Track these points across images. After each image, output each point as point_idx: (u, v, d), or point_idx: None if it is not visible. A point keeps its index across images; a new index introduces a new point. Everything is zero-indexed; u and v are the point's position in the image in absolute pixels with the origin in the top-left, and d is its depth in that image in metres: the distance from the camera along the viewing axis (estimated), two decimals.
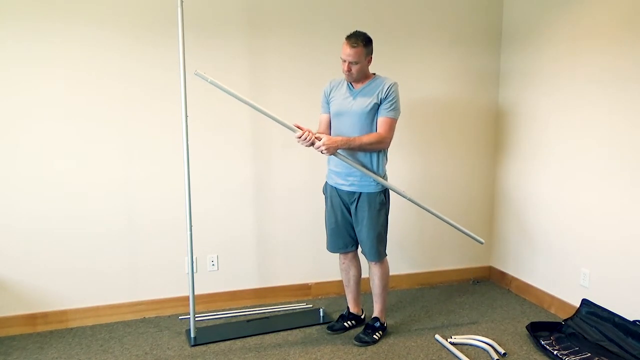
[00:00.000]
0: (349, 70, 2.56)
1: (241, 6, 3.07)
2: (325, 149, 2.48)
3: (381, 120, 2.60)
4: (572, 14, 2.97)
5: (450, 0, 3.47)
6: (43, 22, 2.74)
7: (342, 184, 2.69)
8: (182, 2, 2.53)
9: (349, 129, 2.62)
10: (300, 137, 2.47)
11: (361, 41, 2.51)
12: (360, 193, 2.67)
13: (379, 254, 2.74)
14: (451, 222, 2.83)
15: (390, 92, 2.59)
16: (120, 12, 2.86)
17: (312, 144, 2.48)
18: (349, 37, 2.54)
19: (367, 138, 2.57)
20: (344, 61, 2.55)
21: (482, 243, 3.00)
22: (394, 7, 3.36)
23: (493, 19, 3.59)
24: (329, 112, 2.73)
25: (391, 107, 2.60)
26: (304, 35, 3.21)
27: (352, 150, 2.58)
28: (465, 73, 3.59)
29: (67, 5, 2.77)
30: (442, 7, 3.46)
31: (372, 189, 2.66)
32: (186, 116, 2.62)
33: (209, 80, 2.40)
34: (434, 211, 2.78)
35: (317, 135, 2.53)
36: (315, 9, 3.21)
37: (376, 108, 2.61)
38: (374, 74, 2.70)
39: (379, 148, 2.62)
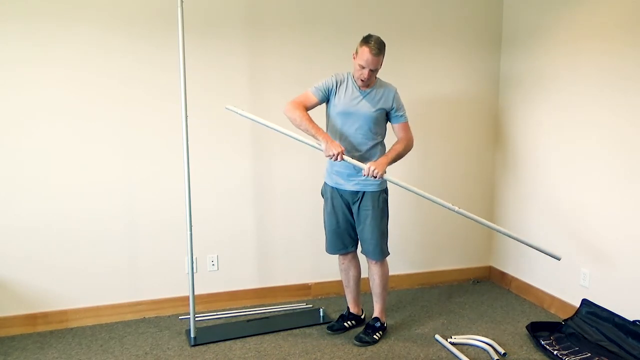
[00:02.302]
0: (369, 77, 2.55)
1: (241, 6, 3.07)
2: (379, 174, 2.49)
3: (400, 127, 2.72)
4: (572, 15, 2.98)
5: (450, 2, 3.47)
6: (43, 23, 2.74)
7: (345, 184, 2.69)
8: (182, 2, 2.53)
9: (356, 129, 2.63)
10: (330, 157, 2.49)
11: (382, 50, 2.51)
12: (364, 192, 2.67)
13: (382, 252, 2.75)
14: (525, 240, 2.68)
15: (398, 100, 2.70)
16: (120, 13, 2.86)
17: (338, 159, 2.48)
18: (369, 44, 2.48)
19: (401, 146, 2.67)
20: (363, 68, 2.52)
21: (559, 259, 2.67)
22: (394, 8, 3.36)
23: (493, 20, 3.59)
24: (319, 100, 2.66)
25: (403, 113, 2.72)
26: (304, 35, 3.21)
27: (393, 162, 2.63)
28: (466, 74, 3.59)
29: (67, 6, 2.77)
30: (443, 9, 3.46)
31: (375, 187, 2.67)
32: (186, 116, 2.62)
33: (238, 112, 2.55)
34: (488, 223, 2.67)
35: (370, 164, 2.51)
36: (316, 10, 3.21)
37: (383, 114, 2.67)
38: (376, 77, 2.70)
39: (409, 150, 2.72)
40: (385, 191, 2.73)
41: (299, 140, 2.57)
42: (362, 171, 2.53)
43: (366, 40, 2.51)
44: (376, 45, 2.48)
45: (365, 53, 2.48)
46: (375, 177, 2.51)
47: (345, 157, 2.49)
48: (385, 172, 2.56)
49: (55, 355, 2.63)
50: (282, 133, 2.57)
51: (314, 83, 2.69)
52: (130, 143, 2.98)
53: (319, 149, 2.53)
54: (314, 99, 2.65)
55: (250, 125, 3.17)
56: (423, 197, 2.60)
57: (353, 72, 2.62)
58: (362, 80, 2.58)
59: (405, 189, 2.59)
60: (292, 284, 3.40)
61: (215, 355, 2.62)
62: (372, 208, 2.67)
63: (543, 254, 3.25)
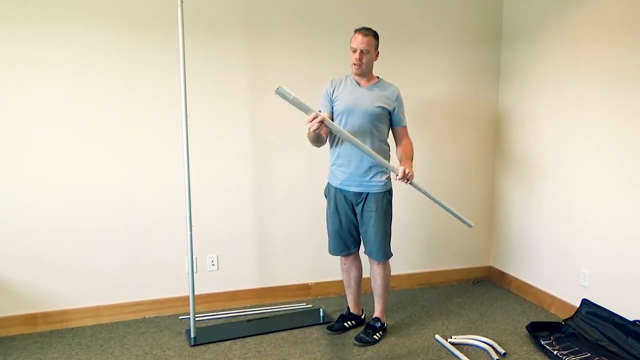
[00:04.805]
0: (360, 59, 2.57)
1: (241, 7, 3.07)
2: (412, 177, 2.50)
3: (403, 130, 2.75)
4: (573, 14, 2.98)
5: (450, 1, 3.47)
6: (43, 24, 2.74)
7: (349, 185, 2.69)
8: (182, 2, 2.53)
9: (358, 128, 2.61)
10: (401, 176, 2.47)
11: (371, 32, 2.58)
12: (367, 193, 2.67)
13: (385, 253, 2.75)
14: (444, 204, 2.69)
15: (401, 102, 2.71)
16: (120, 14, 2.86)
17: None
18: (359, 28, 2.58)
19: (410, 150, 2.70)
20: (355, 51, 2.57)
21: (470, 226, 2.82)
22: (394, 7, 3.36)
23: (493, 19, 3.59)
24: (330, 111, 2.69)
25: (404, 115, 2.75)
26: (304, 36, 3.21)
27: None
28: (465, 74, 3.59)
29: (67, 8, 2.77)
30: (442, 7, 3.46)
31: (379, 189, 2.66)
32: (186, 116, 2.62)
33: (290, 98, 2.16)
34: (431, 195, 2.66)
35: (407, 169, 2.49)
36: (316, 11, 3.21)
37: (386, 113, 2.66)
38: (378, 77, 2.71)
39: None
40: (389, 192, 2.73)
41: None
42: (397, 174, 2.48)
43: (357, 28, 2.61)
44: (365, 28, 2.58)
45: (355, 36, 2.58)
46: (409, 181, 2.50)
47: (327, 120, 2.31)
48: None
49: (55, 355, 2.63)
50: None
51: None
52: (130, 143, 2.98)
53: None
54: (325, 114, 2.63)
55: (251, 124, 3.17)
56: (442, 206, 2.61)
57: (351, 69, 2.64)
58: (355, 66, 2.59)
59: (428, 196, 2.57)
60: (292, 284, 3.40)
61: (215, 355, 2.62)
62: (375, 209, 2.66)
63: (539, 253, 3.25)
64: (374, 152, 2.47)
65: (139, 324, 3.01)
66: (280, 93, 2.13)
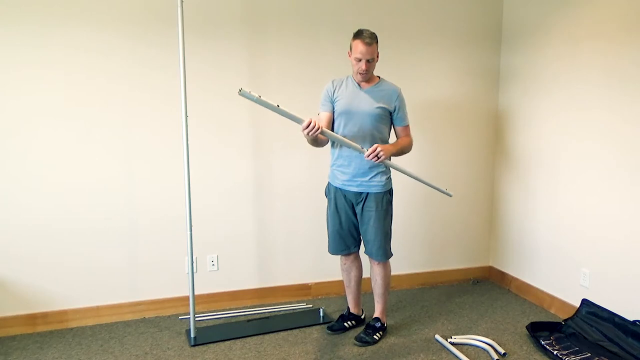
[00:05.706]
0: (367, 69, 2.55)
1: (241, 6, 3.07)
2: (383, 156, 2.46)
3: (403, 129, 2.74)
4: (573, 14, 2.98)
5: (450, 1, 3.47)
6: (43, 25, 2.74)
7: (350, 185, 2.69)
8: (182, 2, 2.53)
9: (358, 130, 2.62)
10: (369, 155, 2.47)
11: (373, 39, 2.54)
12: (368, 193, 2.67)
13: (386, 253, 2.75)
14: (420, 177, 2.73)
15: (402, 101, 2.70)
16: (120, 13, 2.86)
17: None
18: (360, 36, 2.52)
19: (405, 143, 2.71)
20: (359, 60, 2.53)
21: (450, 196, 2.86)
22: (393, 8, 3.36)
23: (493, 20, 3.59)
24: (331, 111, 2.69)
25: (405, 115, 2.73)
26: (304, 36, 3.20)
27: (396, 154, 2.65)
28: (466, 74, 3.59)
29: (67, 8, 2.77)
30: (442, 8, 3.46)
31: (379, 189, 2.66)
32: (186, 116, 2.62)
33: (254, 98, 2.23)
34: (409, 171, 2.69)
35: (378, 145, 2.48)
36: (316, 11, 3.21)
37: (387, 113, 2.66)
38: (378, 77, 2.71)
39: (408, 152, 2.75)
40: (389, 192, 2.73)
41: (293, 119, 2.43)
42: (367, 150, 2.48)
43: (357, 34, 2.54)
44: (367, 35, 2.51)
45: (359, 45, 2.51)
46: (379, 158, 2.46)
47: (325, 130, 2.42)
48: (390, 160, 2.55)
49: (55, 355, 2.63)
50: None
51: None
52: (131, 143, 2.97)
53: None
54: (325, 113, 2.68)
55: (251, 124, 3.17)
56: (422, 182, 2.66)
57: (352, 72, 2.63)
58: (361, 75, 2.58)
59: (404, 173, 2.61)
60: (292, 284, 3.40)
61: (215, 355, 2.62)
62: (375, 209, 2.66)
63: (539, 253, 3.25)
64: (348, 141, 2.51)
65: (139, 324, 3.01)
66: (243, 94, 2.18)
